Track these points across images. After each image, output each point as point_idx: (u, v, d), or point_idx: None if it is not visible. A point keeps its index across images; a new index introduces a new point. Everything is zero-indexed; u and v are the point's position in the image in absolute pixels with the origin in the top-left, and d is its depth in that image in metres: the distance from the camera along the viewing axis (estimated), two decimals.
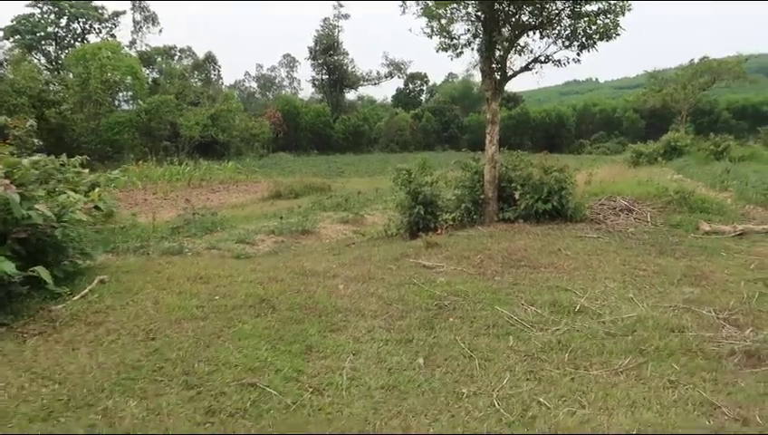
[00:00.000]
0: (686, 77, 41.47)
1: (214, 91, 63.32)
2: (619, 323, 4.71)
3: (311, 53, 75.12)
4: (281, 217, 13.12)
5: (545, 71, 10.41)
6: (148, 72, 59.02)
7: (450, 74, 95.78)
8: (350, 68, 75.92)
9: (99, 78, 39.24)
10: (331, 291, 5.65)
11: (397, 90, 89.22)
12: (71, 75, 41.44)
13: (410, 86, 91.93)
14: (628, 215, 10.08)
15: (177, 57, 74.33)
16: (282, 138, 62.26)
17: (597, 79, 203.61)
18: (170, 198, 24.54)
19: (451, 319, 4.93)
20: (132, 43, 64.01)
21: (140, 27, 66.34)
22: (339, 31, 74.73)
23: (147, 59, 62.32)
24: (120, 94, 47.36)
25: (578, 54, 10.27)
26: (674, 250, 7.84)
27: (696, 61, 41.91)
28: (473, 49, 10.53)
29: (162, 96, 43.88)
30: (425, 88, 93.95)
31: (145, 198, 25.02)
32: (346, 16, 74.10)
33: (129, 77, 42.59)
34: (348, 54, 75.12)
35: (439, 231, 10.19)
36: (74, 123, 38.60)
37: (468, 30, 10.49)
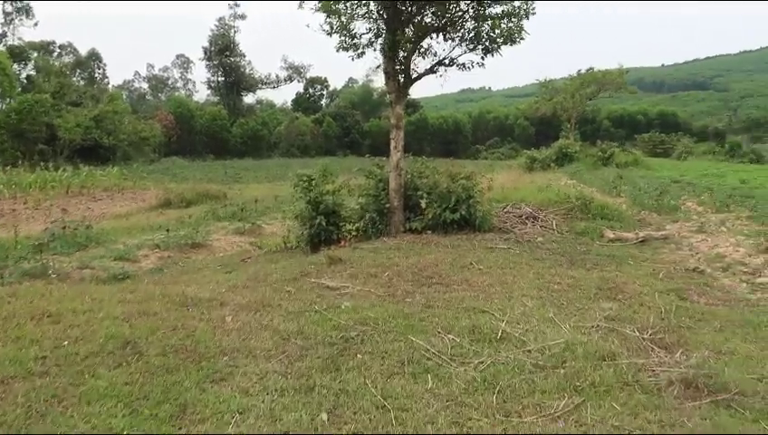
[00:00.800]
0: (574, 86, 43.82)
1: (98, 91, 58.82)
2: (547, 353, 4.21)
3: (205, 53, 72.07)
4: (167, 230, 11.83)
5: (450, 74, 10.03)
6: (20, 68, 53.68)
7: (350, 79, 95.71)
8: (247, 70, 73.65)
9: None
10: (216, 325, 4.73)
11: (297, 94, 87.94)
12: None
13: (310, 90, 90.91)
14: (534, 223, 9.92)
15: (56, 53, 68.71)
16: (175, 142, 58.99)
17: (490, 88, 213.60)
18: (43, 208, 22.02)
19: (359, 355, 4.20)
20: (2, 36, 58.06)
21: (12, 19, 60.20)
22: (235, 31, 72.31)
23: (19, 54, 56.76)
24: None
25: (482, 58, 9.99)
26: (584, 260, 7.65)
27: (582, 71, 44.43)
28: (375, 50, 9.95)
29: (36, 95, 39.81)
30: (325, 93, 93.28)
31: (13, 208, 22.28)
32: (243, 17, 71.85)
33: None
34: (245, 56, 72.94)
35: (343, 243, 9.49)
36: None
37: (370, 29, 9.91)
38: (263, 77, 75.33)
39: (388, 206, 9.29)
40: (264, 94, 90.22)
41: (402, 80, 9.35)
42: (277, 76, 76.57)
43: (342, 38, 9.95)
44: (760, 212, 11.43)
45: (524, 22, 9.39)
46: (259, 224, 14.54)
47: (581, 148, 33.54)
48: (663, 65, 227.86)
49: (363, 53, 10.17)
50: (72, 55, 70.38)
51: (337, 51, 10.04)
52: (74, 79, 63.97)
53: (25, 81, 49.89)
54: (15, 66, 48.81)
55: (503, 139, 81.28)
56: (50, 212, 21.41)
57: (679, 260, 7.81)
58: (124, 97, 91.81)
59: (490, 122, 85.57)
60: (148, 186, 31.77)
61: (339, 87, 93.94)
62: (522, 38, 9.52)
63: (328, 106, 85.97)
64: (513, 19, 9.42)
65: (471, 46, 9.85)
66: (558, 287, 6.16)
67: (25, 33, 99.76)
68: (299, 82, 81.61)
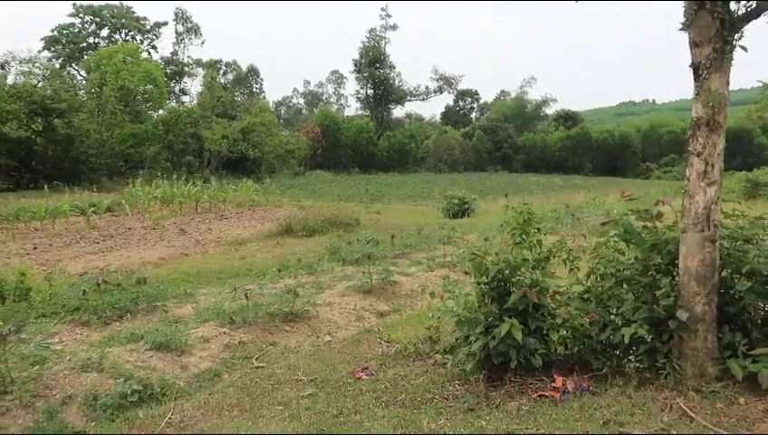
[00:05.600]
0: None
1: (250, 104, 59.25)
2: None
3: (356, 66, 70.52)
4: (245, 295, 7.44)
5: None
6: (173, 83, 55.19)
7: (502, 92, 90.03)
8: (396, 82, 70.85)
9: (114, 84, 35.02)
10: None
11: (446, 107, 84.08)
12: (83, 81, 37.54)
13: (460, 103, 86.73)
14: None
15: (222, 71, 71.40)
16: (320, 154, 57.46)
17: (654, 100, 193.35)
18: (159, 228, 19.43)
19: None
20: (174, 54, 60.77)
21: (182, 39, 62.92)
22: (386, 43, 69.91)
23: (187, 71, 59.14)
24: (148, 105, 43.35)
25: None
26: None
27: None
28: None
29: (183, 106, 39.49)
30: (475, 106, 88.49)
31: (129, 226, 20.00)
32: (394, 27, 69.09)
33: (150, 84, 38.23)
34: (394, 68, 70.14)
35: (557, 382, 4.30)
36: (85, 135, 34.34)
37: None
38: (412, 89, 72.25)
39: (680, 315, 3.89)
40: (413, 107, 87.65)
41: (727, 18, 3.94)
42: (427, 88, 73.11)
43: None
44: None
45: None
46: (392, 279, 9.75)
47: None
48: None
49: None
50: (235, 72, 72.75)
51: None
52: (236, 95, 65.47)
53: (180, 93, 51.01)
54: (182, 82, 50.10)
55: (679, 155, 70.20)
56: (166, 233, 18.79)
57: None
58: (282, 112, 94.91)
59: (662, 137, 74.46)
60: (283, 203, 28.92)
61: (489, 100, 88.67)
62: None
63: (478, 120, 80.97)
64: None
65: None
66: None
67: (194, 51, 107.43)
68: (449, 93, 77.51)
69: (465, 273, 4.86)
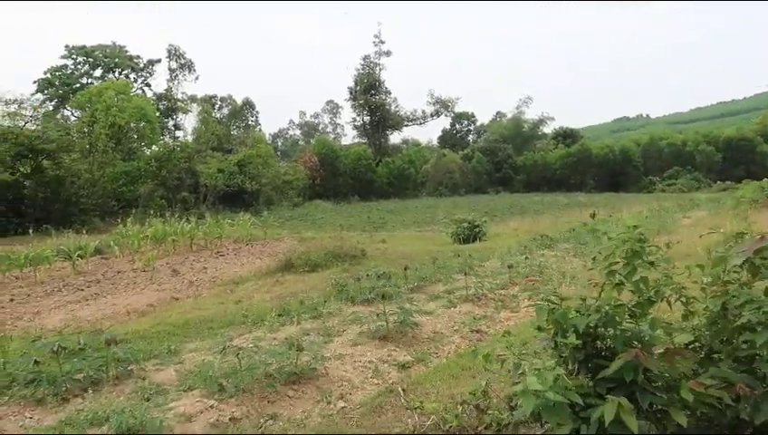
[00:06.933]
0: None
1: (246, 136, 58.24)
2: None
3: (351, 93, 69.93)
4: (237, 355, 6.01)
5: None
6: (177, 119, 54.16)
7: (498, 113, 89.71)
8: (392, 108, 70.14)
9: (104, 122, 33.91)
10: None
11: (443, 130, 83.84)
12: (74, 120, 36.52)
13: (457, 126, 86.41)
14: None
15: (218, 106, 70.81)
16: (319, 184, 56.32)
17: (648, 115, 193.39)
18: (150, 270, 17.99)
19: None
20: (168, 90, 60.07)
21: (176, 75, 62.20)
22: (380, 69, 69.43)
23: (181, 107, 58.35)
24: (141, 142, 42.26)
25: None
26: None
27: None
28: None
29: (177, 141, 38.41)
30: (472, 128, 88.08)
31: (119, 269, 18.59)
32: (388, 53, 68.68)
33: (142, 121, 37.10)
34: (390, 93, 69.49)
35: None
36: (76, 175, 33.11)
37: None
38: (408, 114, 71.56)
39: None
40: (410, 133, 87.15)
41: None
42: (423, 112, 72.46)
43: None
44: None
45: None
46: (412, 321, 8.30)
47: None
48: None
49: None
50: (230, 107, 72.16)
51: None
52: (232, 128, 64.58)
53: (174, 129, 50.03)
54: (177, 118, 49.18)
55: (682, 167, 69.31)
56: (158, 275, 17.35)
57: None
58: (279, 144, 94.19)
59: (663, 150, 73.61)
60: (282, 235, 27.54)
61: (485, 122, 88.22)
62: None
63: (476, 142, 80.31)
64: None
65: None
66: None
67: (188, 87, 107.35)
68: (446, 116, 76.90)
69: (525, 324, 3.46)
